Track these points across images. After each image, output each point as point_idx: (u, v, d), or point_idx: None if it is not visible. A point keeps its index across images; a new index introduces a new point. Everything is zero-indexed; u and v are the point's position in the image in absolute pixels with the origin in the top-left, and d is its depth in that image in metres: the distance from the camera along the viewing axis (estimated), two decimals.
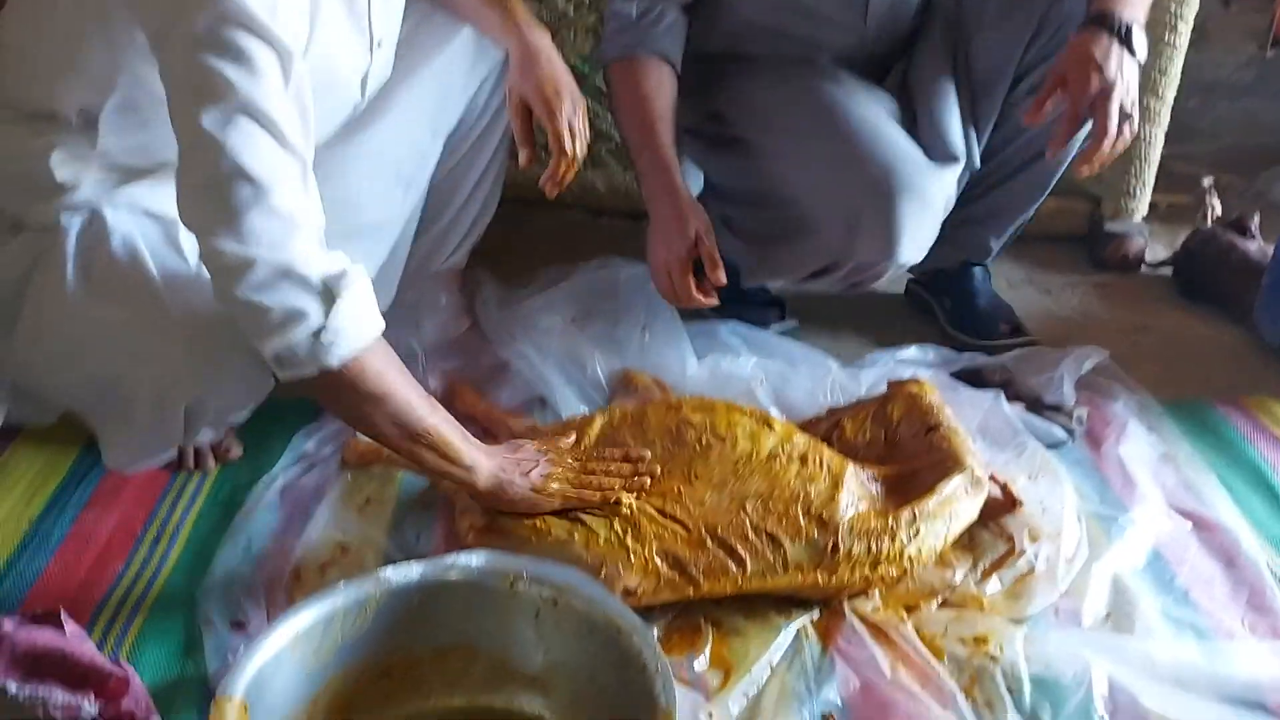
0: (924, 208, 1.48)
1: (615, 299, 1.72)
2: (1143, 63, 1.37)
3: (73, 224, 1.20)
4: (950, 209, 1.56)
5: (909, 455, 1.31)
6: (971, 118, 1.60)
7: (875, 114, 1.53)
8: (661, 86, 1.53)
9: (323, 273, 1.03)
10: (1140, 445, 1.48)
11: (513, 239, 1.99)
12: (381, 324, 1.10)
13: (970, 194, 1.65)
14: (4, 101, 1.22)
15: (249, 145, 0.99)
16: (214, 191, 1.01)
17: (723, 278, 1.47)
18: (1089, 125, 1.38)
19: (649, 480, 1.21)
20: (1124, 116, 1.34)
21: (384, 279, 1.53)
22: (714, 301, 1.52)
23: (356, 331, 1.05)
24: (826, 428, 1.39)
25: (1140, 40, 1.35)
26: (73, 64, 1.16)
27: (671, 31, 1.55)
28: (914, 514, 1.19)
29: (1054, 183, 1.69)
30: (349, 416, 1.17)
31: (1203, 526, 1.34)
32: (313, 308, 1.02)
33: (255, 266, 1.00)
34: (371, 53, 1.28)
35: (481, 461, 1.16)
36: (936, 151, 1.55)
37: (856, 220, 1.47)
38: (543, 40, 1.42)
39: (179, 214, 1.07)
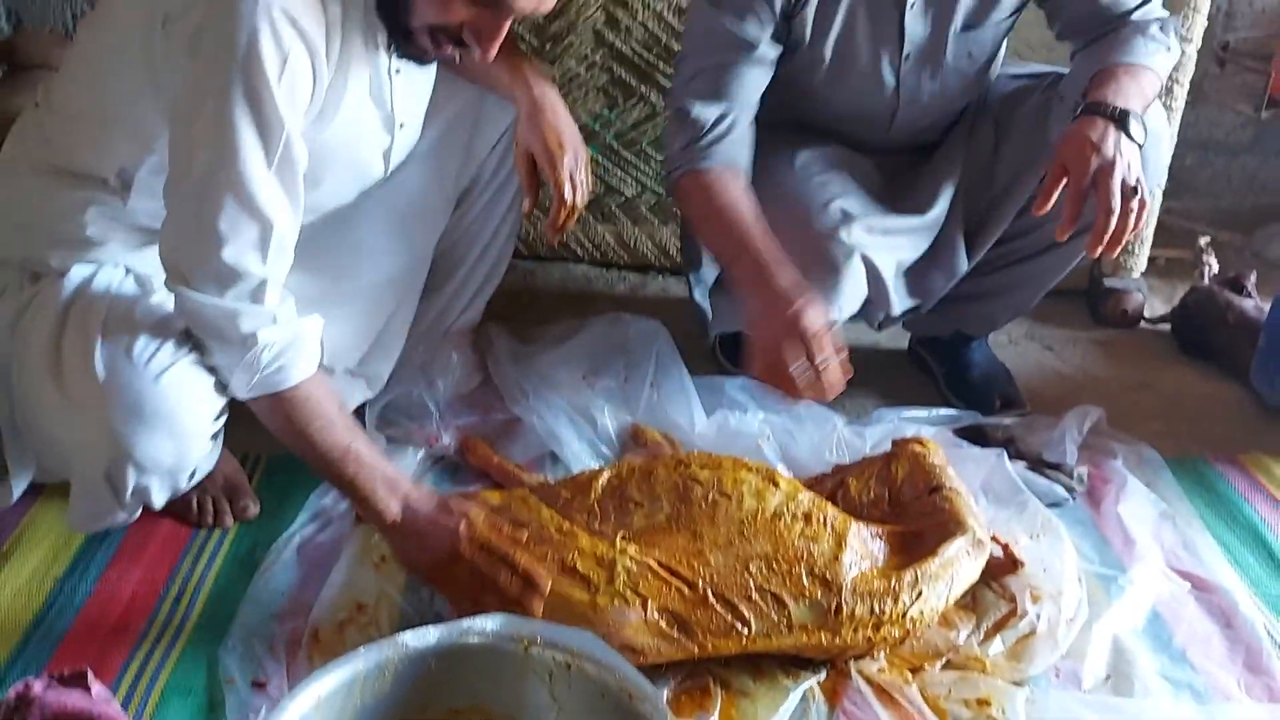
0: (842, 280, 1.48)
1: (625, 354, 1.76)
2: (1142, 146, 1.37)
3: (76, 275, 1.25)
4: (889, 287, 1.53)
5: (912, 515, 1.33)
6: (968, 223, 1.60)
7: (824, 185, 1.53)
8: (744, 194, 1.48)
9: (251, 322, 1.16)
10: (1140, 503, 1.50)
11: (524, 292, 2.04)
12: (304, 374, 1.20)
13: (983, 269, 1.66)
14: (50, 161, 1.27)
15: (219, 201, 1.12)
16: (181, 232, 1.16)
17: (837, 377, 1.35)
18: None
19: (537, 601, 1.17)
20: (1129, 192, 1.33)
21: (391, 331, 1.58)
22: (829, 396, 1.38)
23: (268, 374, 1.18)
24: (832, 485, 1.42)
25: (1137, 126, 1.36)
26: (121, 125, 1.22)
27: (742, 141, 1.52)
28: (916, 576, 1.22)
29: (1068, 270, 1.69)
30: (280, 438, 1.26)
31: (1201, 587, 1.37)
32: (232, 348, 1.17)
33: (195, 302, 1.16)
34: (393, 133, 1.33)
35: (393, 510, 1.22)
36: (934, 256, 1.57)
37: None
38: (549, 93, 1.46)
39: (160, 243, 1.19)
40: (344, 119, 1.23)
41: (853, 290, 1.48)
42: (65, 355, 1.22)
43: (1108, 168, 1.32)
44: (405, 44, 1.21)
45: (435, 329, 1.65)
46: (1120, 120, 1.34)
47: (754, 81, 1.50)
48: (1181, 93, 1.93)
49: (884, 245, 1.50)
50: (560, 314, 1.91)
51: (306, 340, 1.20)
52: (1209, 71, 2.31)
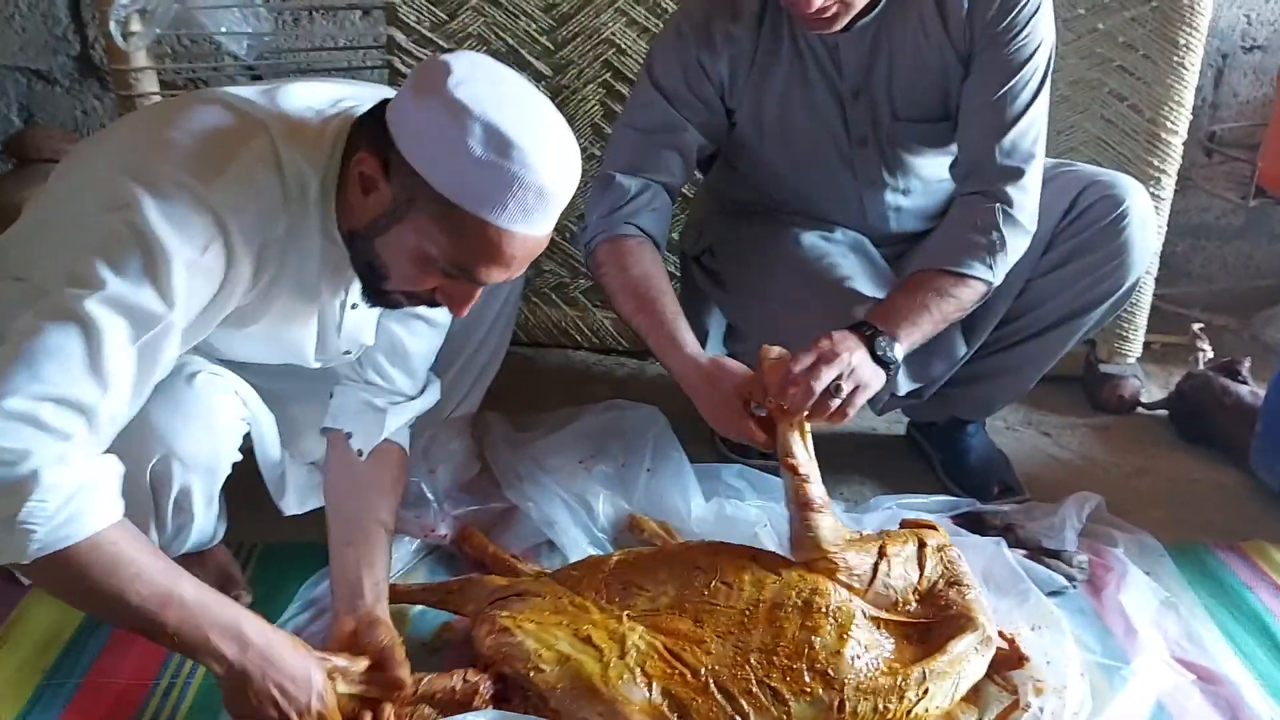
0: None
1: (622, 440, 1.76)
2: (894, 366, 1.41)
3: None
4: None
5: (925, 606, 1.31)
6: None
7: (835, 266, 1.57)
8: (655, 263, 1.54)
9: (30, 461, 0.98)
10: (1141, 592, 1.49)
11: (522, 379, 2.04)
12: (104, 519, 1.03)
13: (979, 353, 1.66)
14: (17, 272, 1.25)
15: (62, 347, 1.01)
16: (3, 360, 1.01)
17: (800, 401, 1.37)
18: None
19: None
20: (834, 389, 1.34)
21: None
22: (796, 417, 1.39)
23: (56, 526, 0.99)
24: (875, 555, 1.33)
25: (888, 349, 1.40)
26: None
27: (660, 213, 1.57)
28: (924, 673, 1.20)
29: (1062, 355, 1.71)
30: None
31: (1206, 678, 1.35)
32: (6, 496, 0.97)
33: None
34: (330, 353, 1.39)
35: (228, 652, 1.08)
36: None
37: None
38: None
39: None
40: (273, 326, 1.27)
41: None
42: None
43: (829, 359, 1.34)
44: (379, 299, 1.24)
45: (434, 417, 1.65)
46: (870, 340, 1.40)
47: (678, 162, 1.57)
48: (1170, 182, 1.96)
49: None
50: (561, 400, 1.91)
51: (103, 480, 1.04)
52: (1197, 160, 2.36)
